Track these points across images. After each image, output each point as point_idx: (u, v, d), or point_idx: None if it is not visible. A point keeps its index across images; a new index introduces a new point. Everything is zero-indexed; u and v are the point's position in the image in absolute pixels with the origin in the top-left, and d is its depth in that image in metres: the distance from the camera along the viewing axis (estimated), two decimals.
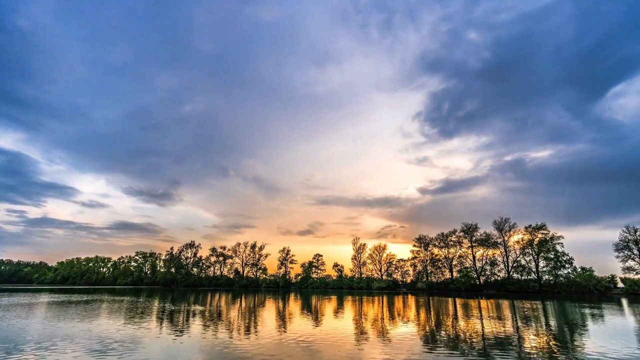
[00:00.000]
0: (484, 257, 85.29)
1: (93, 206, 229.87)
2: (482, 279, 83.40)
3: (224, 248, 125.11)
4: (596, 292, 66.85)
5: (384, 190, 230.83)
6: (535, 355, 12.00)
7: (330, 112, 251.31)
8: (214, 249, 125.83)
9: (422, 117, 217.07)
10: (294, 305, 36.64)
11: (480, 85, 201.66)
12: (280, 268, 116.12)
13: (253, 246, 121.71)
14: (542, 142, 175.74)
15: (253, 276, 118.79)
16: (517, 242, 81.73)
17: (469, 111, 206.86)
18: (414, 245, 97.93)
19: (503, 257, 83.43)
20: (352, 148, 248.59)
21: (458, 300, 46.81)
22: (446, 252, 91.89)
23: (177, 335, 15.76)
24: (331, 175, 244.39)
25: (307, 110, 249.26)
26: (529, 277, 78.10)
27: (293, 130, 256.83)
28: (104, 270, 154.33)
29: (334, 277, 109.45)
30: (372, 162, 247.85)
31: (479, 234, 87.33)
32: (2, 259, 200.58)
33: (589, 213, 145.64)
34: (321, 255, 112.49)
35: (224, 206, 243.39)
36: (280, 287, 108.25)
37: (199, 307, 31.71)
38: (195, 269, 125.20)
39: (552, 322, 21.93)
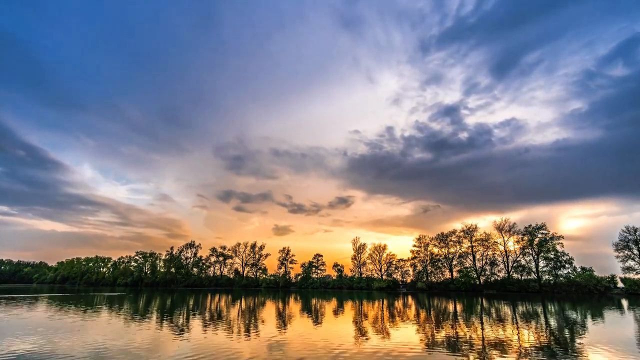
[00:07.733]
0: (484, 257, 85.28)
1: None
2: (482, 279, 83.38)
3: (224, 248, 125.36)
4: (596, 292, 66.84)
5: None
6: (534, 356, 11.97)
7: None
8: (214, 249, 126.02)
9: None
10: (294, 308, 36.59)
11: None
12: (280, 268, 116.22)
13: (253, 246, 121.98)
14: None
15: (253, 276, 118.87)
16: (517, 241, 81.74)
17: None
18: (414, 245, 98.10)
19: (503, 257, 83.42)
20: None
21: (458, 301, 46.78)
22: (446, 251, 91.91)
23: (175, 342, 15.71)
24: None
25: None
26: (529, 277, 78.07)
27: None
28: (104, 270, 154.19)
29: (334, 277, 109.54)
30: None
31: (478, 234, 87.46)
32: (2, 259, 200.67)
33: None
34: (321, 256, 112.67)
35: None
36: (280, 287, 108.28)
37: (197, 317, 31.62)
38: (195, 269, 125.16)
39: (552, 323, 21.89)
